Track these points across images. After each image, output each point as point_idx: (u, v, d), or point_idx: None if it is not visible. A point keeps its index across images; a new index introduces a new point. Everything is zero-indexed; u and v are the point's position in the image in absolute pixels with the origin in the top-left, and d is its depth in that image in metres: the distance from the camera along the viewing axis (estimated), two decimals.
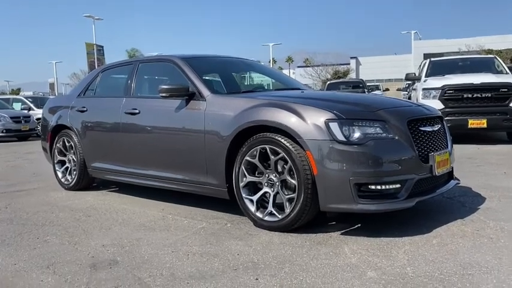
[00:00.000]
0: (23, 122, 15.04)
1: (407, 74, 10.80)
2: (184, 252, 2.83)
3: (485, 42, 45.80)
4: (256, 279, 2.36)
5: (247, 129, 3.33)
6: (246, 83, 4.76)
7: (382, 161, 2.93)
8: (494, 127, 8.37)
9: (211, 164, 3.60)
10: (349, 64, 55.28)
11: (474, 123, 8.30)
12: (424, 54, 55.89)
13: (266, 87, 4.67)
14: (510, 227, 3.13)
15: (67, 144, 5.16)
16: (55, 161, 5.35)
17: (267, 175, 3.28)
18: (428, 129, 3.30)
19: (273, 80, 4.85)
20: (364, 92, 15.08)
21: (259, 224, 3.29)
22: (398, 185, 2.98)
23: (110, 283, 2.39)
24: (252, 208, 3.33)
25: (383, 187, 2.94)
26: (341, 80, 19.34)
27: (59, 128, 5.28)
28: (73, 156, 5.10)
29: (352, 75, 42.52)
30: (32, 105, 17.31)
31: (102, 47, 36.96)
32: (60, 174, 5.30)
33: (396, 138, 3.04)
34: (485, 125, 8.23)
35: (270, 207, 3.23)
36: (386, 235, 3.02)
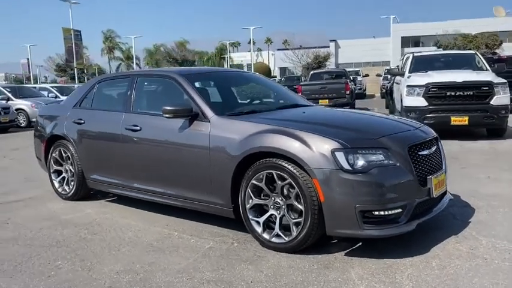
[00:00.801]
0: (2, 113, 14.71)
1: (390, 69, 11.02)
2: (199, 280, 2.95)
3: (460, 26, 46.41)
4: None
5: (253, 153, 3.43)
6: (245, 96, 4.81)
7: (385, 188, 3.09)
8: (475, 124, 8.68)
9: (216, 184, 3.70)
10: (328, 47, 55.28)
11: (456, 120, 8.58)
12: (401, 37, 56.49)
13: (265, 101, 4.73)
14: (501, 244, 3.35)
15: (64, 154, 5.16)
16: (51, 171, 5.36)
17: (273, 198, 3.41)
18: (426, 153, 3.46)
19: (272, 93, 4.93)
20: (346, 81, 15.22)
21: (266, 245, 3.43)
22: (399, 210, 3.15)
23: None
24: (259, 229, 3.46)
25: (386, 213, 3.11)
26: (324, 70, 19.52)
27: (55, 138, 5.27)
28: (70, 167, 5.11)
29: (332, 60, 42.64)
30: (10, 95, 16.92)
31: (80, 31, 36.08)
32: (56, 184, 5.31)
33: (397, 164, 3.19)
34: (467, 122, 8.52)
35: (277, 230, 3.37)
36: (388, 256, 3.20)
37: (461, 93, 8.61)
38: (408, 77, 9.74)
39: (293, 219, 3.28)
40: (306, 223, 3.18)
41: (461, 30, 39.84)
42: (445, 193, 3.82)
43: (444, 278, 2.84)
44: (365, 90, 31.36)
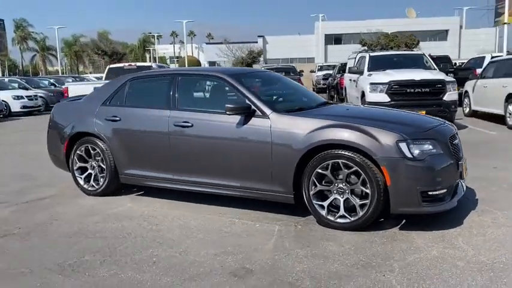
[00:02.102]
0: None
1: (349, 68, 11.96)
2: (297, 256, 3.40)
3: (378, 25, 49.76)
4: (383, 275, 3.05)
5: (318, 146, 3.92)
6: (276, 94, 5.26)
7: (437, 172, 3.76)
8: None
9: (278, 174, 4.14)
10: (256, 42, 56.44)
11: None
12: (325, 34, 59.21)
13: (303, 99, 5.21)
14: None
15: (92, 151, 5.25)
16: (75, 168, 5.41)
17: (336, 184, 3.94)
18: (456, 143, 4.19)
19: (295, 91, 5.43)
20: (299, 77, 16.10)
21: (331, 225, 3.95)
22: (446, 190, 3.83)
23: None
24: (323, 212, 3.98)
25: (437, 192, 3.77)
26: (276, 66, 20.18)
27: (80, 135, 5.33)
28: (100, 163, 5.22)
29: (269, 56, 43.59)
30: None
31: (3, 20, 33.54)
32: (81, 181, 5.38)
33: (442, 152, 3.87)
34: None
35: (342, 211, 3.91)
36: (434, 229, 3.86)
37: (419, 90, 9.71)
38: (369, 75, 10.70)
39: (359, 201, 3.83)
40: (372, 204, 3.76)
41: (382, 29, 42.76)
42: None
43: (490, 242, 3.56)
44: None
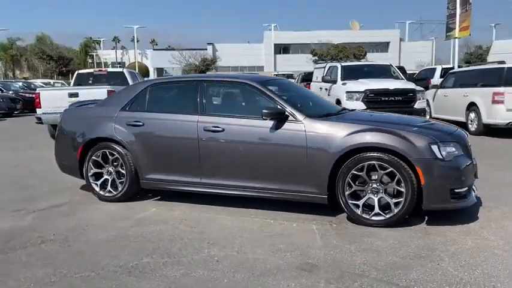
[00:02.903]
0: None
1: (323, 77, 12.47)
2: (351, 251, 3.64)
3: (325, 36, 51.64)
4: (438, 264, 3.36)
5: (354, 148, 4.21)
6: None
7: (462, 172, 4.16)
8: None
9: (312, 176, 4.38)
10: (206, 49, 56.54)
11: None
12: (274, 44, 60.48)
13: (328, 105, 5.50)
14: None
15: (110, 157, 5.22)
16: (89, 174, 5.34)
17: (370, 184, 4.23)
18: (469, 145, 4.64)
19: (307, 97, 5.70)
20: None
21: (365, 223, 4.23)
22: (467, 187, 4.25)
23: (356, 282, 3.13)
24: (358, 211, 4.26)
25: (461, 190, 4.17)
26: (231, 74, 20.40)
27: (95, 141, 5.28)
28: (119, 169, 5.20)
29: (219, 63, 43.71)
30: None
31: None
32: (97, 187, 5.32)
33: (462, 153, 4.29)
34: None
35: (377, 209, 4.21)
36: (458, 223, 4.26)
37: (393, 98, 10.37)
38: (343, 84, 11.25)
39: (394, 200, 4.15)
40: (406, 202, 4.09)
41: (330, 40, 44.49)
42: None
43: None
44: None
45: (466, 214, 4.50)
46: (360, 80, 11.21)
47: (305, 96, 5.60)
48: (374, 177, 4.23)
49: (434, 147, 4.08)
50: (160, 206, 5.08)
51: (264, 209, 4.80)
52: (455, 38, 15.91)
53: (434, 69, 18.97)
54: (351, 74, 11.83)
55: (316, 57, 38.36)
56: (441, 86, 12.91)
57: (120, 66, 66.75)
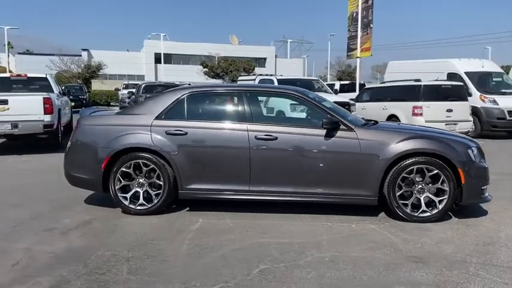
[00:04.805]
0: None
1: None
2: (432, 244, 4.13)
3: (209, 48, 52.46)
4: (508, 248, 4.03)
5: (405, 154, 4.75)
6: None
7: (488, 171, 4.97)
8: None
9: (365, 179, 4.80)
10: (80, 56, 52.99)
11: None
12: (154, 53, 59.28)
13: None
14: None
15: (144, 167, 4.97)
16: (117, 187, 5.00)
17: (417, 185, 4.81)
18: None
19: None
20: None
21: (414, 219, 4.78)
22: (487, 185, 5.08)
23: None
24: (408, 209, 4.80)
25: (485, 187, 4.97)
26: (157, 83, 19.47)
27: (124, 152, 4.99)
28: (155, 180, 4.98)
29: (106, 71, 41.02)
30: None
31: None
32: (126, 201, 5.01)
33: (480, 156, 5.12)
34: None
35: (423, 207, 4.79)
36: (481, 215, 5.04)
37: None
38: None
39: (439, 198, 4.77)
40: (449, 199, 4.75)
41: (213, 53, 45.37)
42: None
43: None
44: None
45: (474, 208, 5.34)
46: None
47: (335, 106, 6.00)
48: (420, 179, 4.81)
49: (470, 151, 4.83)
50: (205, 217, 4.93)
51: (305, 213, 5.04)
52: (357, 57, 17.81)
53: (333, 85, 20.84)
54: None
55: (206, 69, 38.86)
56: (357, 100, 14.36)
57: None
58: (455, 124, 11.61)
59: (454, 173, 4.74)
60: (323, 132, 4.84)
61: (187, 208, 5.28)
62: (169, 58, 59.36)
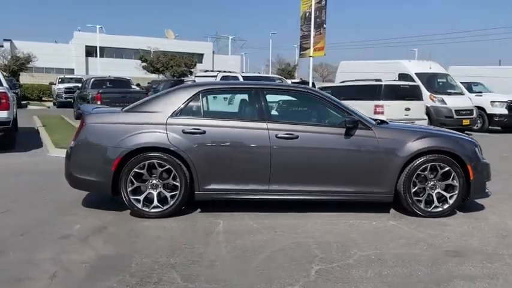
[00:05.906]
0: None
1: None
2: (455, 237, 4.33)
3: (143, 42, 50.86)
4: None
5: (421, 152, 4.92)
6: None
7: (490, 168, 5.28)
8: None
9: (382, 177, 4.91)
10: (2, 46, 49.03)
11: None
12: (85, 46, 56.44)
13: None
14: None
15: (159, 168, 4.72)
16: (129, 189, 4.71)
17: (430, 182, 5.01)
18: None
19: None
20: (147, 92, 15.92)
21: (428, 215, 4.97)
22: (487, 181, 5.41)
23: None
24: (422, 205, 4.98)
25: (487, 182, 5.30)
26: (109, 78, 18.18)
27: (136, 152, 4.71)
28: (170, 180, 4.75)
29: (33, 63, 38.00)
30: None
31: None
32: (138, 204, 4.73)
33: (481, 154, 5.44)
34: None
35: (436, 203, 5.00)
36: (471, 211, 5.36)
37: None
38: None
39: (450, 193, 5.00)
40: (459, 194, 5.00)
41: (157, 47, 44.01)
42: None
43: None
44: None
45: (465, 204, 5.66)
46: None
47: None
48: (432, 175, 5.01)
49: (477, 149, 5.12)
50: (225, 218, 4.78)
51: (316, 211, 5.05)
52: (310, 56, 18.12)
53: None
54: None
55: (145, 64, 37.57)
56: None
57: None
58: (412, 122, 12.21)
59: (463, 169, 5.00)
60: (342, 130, 4.88)
61: (199, 210, 5.09)
62: (101, 51, 56.72)
